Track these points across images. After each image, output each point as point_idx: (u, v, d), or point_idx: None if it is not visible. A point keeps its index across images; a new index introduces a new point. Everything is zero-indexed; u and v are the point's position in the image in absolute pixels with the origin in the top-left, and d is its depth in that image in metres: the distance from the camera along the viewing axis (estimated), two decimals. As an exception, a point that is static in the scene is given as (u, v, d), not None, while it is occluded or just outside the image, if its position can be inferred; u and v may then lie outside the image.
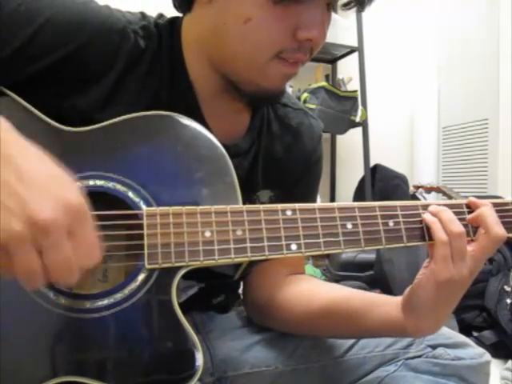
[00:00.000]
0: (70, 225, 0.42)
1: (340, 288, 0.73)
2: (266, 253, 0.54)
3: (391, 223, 0.58)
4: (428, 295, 0.57)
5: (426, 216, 0.59)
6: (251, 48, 0.61)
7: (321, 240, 0.55)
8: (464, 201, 0.62)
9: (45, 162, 0.44)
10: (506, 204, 0.63)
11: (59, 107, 0.60)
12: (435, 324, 0.61)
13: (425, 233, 0.59)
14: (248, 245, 0.53)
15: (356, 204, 0.58)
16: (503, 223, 0.59)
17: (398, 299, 0.62)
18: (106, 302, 0.52)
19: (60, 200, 0.41)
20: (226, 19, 0.61)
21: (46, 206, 0.40)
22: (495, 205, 0.62)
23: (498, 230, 0.58)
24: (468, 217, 0.60)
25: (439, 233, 0.57)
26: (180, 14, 0.70)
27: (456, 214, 0.59)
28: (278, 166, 0.76)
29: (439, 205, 0.60)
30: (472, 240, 0.59)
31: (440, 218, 0.57)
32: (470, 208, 0.61)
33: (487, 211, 0.59)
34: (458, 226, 0.57)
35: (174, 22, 0.69)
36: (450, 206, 0.60)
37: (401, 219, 0.58)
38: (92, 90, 0.62)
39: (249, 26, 0.59)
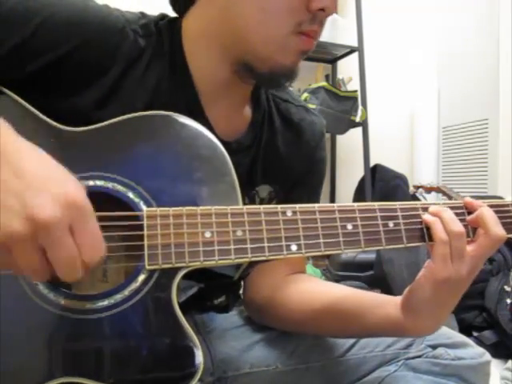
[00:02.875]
0: (71, 221, 0.42)
1: (340, 287, 0.73)
2: (266, 253, 0.54)
3: (391, 224, 0.58)
4: (427, 295, 0.57)
5: (427, 217, 0.59)
6: (267, 20, 0.61)
7: (321, 241, 0.55)
8: (462, 202, 0.62)
9: (43, 159, 0.44)
10: (506, 205, 0.63)
11: (59, 106, 0.60)
12: (434, 324, 0.61)
13: (424, 233, 0.59)
14: (248, 246, 0.53)
15: (356, 205, 0.58)
16: (502, 224, 0.59)
17: (397, 299, 0.62)
18: (106, 302, 0.52)
19: (60, 197, 0.41)
20: None
21: (45, 204, 0.40)
22: (494, 206, 0.62)
23: (498, 230, 0.58)
24: (468, 218, 0.61)
25: (439, 232, 0.57)
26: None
27: (456, 214, 0.59)
28: (279, 162, 0.76)
29: (439, 205, 0.60)
30: (472, 240, 0.59)
31: (441, 217, 0.58)
32: (468, 208, 0.61)
33: (487, 212, 0.59)
34: (458, 226, 0.57)
35: (174, 22, 0.69)
36: (450, 208, 0.60)
37: (401, 220, 0.58)
38: (91, 89, 0.62)
39: None
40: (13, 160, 0.42)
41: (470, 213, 0.61)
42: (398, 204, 0.59)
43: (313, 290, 0.72)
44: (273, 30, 0.61)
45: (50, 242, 0.41)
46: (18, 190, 0.41)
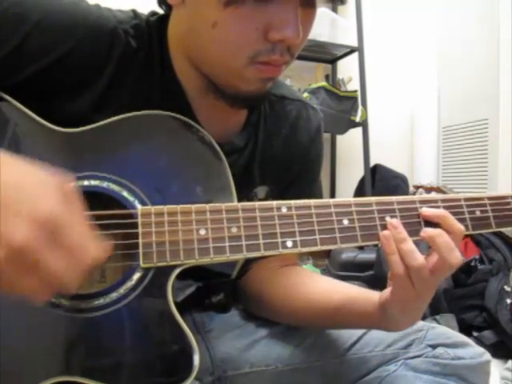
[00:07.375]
0: (48, 236, 0.40)
1: (324, 284, 0.73)
2: (262, 250, 0.53)
3: (388, 218, 0.57)
4: (394, 311, 0.59)
5: (385, 243, 0.56)
6: (224, 52, 0.59)
7: (317, 236, 0.55)
8: (461, 196, 0.61)
9: (13, 172, 0.41)
10: (505, 197, 0.62)
11: (53, 110, 0.60)
12: (409, 323, 0.63)
13: (422, 227, 0.58)
14: (243, 242, 0.53)
15: (352, 200, 0.57)
16: (500, 217, 0.58)
17: (376, 298, 0.62)
18: (101, 301, 0.52)
19: (31, 215, 0.39)
20: (196, 22, 0.60)
21: (17, 228, 0.38)
22: (493, 198, 0.61)
23: (452, 259, 0.54)
24: (422, 233, 0.57)
25: (397, 267, 0.54)
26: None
27: (454, 207, 0.59)
28: (276, 162, 0.76)
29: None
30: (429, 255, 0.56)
31: (399, 249, 0.55)
32: (470, 201, 0.60)
33: (441, 241, 0.55)
34: (416, 259, 0.54)
35: (163, 20, 0.67)
36: (448, 201, 0.59)
37: (398, 214, 0.58)
38: (86, 92, 0.61)
39: (217, 29, 0.57)
40: None
41: (471, 206, 0.60)
42: (394, 198, 0.58)
43: (297, 286, 0.73)
44: (229, 61, 0.59)
45: (33, 263, 0.39)
46: None
